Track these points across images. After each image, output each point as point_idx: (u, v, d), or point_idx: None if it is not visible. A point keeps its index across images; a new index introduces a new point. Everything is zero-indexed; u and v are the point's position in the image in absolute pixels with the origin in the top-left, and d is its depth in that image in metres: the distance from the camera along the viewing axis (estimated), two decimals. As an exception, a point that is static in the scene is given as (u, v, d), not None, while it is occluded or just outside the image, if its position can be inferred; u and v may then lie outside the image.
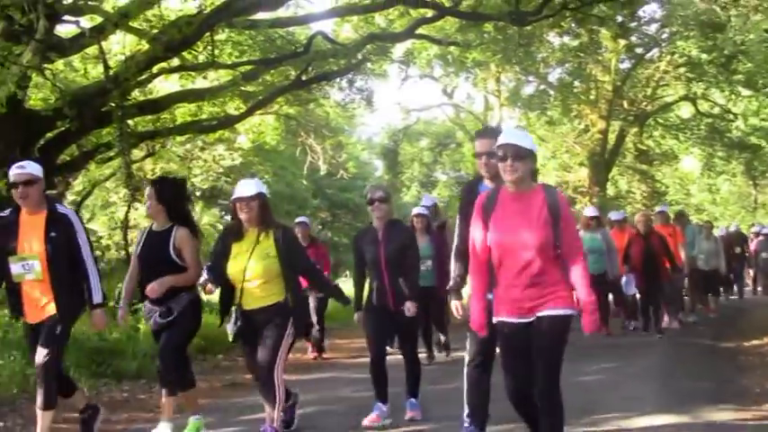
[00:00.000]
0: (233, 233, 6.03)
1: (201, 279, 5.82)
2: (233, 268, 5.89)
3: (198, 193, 24.34)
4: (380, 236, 6.75)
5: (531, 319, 4.42)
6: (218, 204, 27.88)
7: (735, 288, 19.38)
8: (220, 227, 22.64)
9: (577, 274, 4.45)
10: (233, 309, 5.94)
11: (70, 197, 20.13)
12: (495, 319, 4.61)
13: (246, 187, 5.97)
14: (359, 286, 6.94)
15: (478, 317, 4.62)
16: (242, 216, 5.93)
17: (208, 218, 23.19)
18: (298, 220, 11.79)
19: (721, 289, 16.97)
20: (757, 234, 19.55)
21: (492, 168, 5.12)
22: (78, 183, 20.06)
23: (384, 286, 6.66)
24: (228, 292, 5.98)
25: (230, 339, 6.03)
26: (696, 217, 26.51)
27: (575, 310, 4.49)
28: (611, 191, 27.66)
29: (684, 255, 13.15)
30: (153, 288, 5.93)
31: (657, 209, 14.58)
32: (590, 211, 12.92)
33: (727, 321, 13.98)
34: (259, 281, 5.85)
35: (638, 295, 12.37)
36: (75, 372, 8.43)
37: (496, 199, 4.56)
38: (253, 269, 5.84)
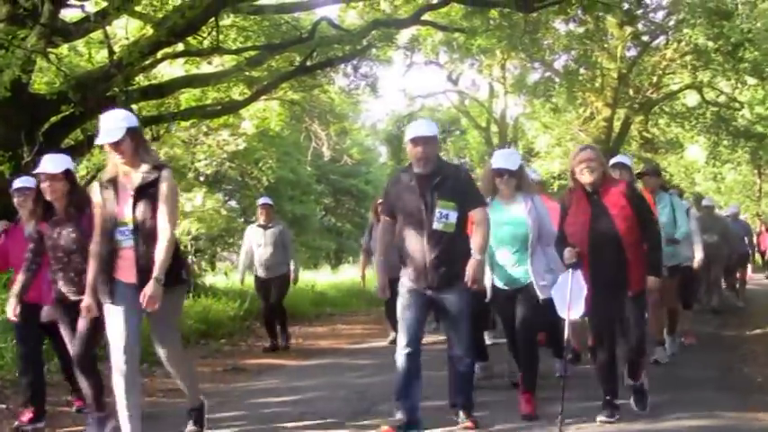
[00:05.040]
0: None
1: None
2: None
3: (201, 179, 24.34)
4: None
5: None
6: (221, 189, 27.90)
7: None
8: (224, 212, 22.67)
9: None
10: None
11: (74, 181, 20.12)
12: None
13: None
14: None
15: None
16: None
17: (211, 203, 23.19)
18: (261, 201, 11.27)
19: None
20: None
21: None
22: (82, 167, 20.04)
23: None
24: None
25: None
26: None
27: None
28: (615, 179, 27.57)
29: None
30: None
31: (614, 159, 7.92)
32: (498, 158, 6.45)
33: (731, 311, 13.94)
34: None
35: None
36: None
37: None
38: None
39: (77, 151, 15.39)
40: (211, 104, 17.18)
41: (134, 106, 13.72)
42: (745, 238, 15.95)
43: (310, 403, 6.93)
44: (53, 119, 13.06)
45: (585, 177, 5.78)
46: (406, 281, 5.77)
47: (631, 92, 25.21)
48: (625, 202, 5.76)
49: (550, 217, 6.39)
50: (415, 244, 5.65)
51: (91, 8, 12.81)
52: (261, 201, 11.23)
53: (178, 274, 5.26)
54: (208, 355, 10.40)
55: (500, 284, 6.32)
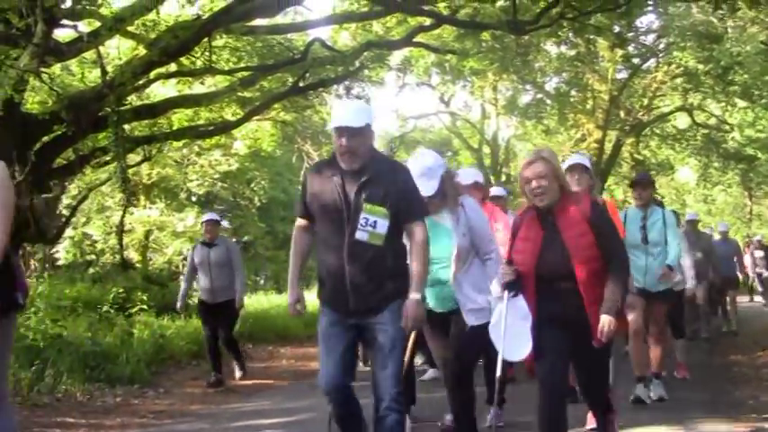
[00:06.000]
0: None
1: None
2: None
3: (193, 199, 24.32)
4: None
5: None
6: (213, 210, 27.85)
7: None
8: (216, 232, 22.61)
9: None
10: None
11: (66, 201, 20.11)
12: None
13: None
14: None
15: None
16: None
17: (203, 223, 23.17)
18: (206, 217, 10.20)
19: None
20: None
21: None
22: (74, 187, 20.01)
23: None
24: None
25: None
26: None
27: None
28: (606, 200, 27.63)
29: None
30: None
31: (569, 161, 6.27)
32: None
33: (721, 334, 13.92)
34: None
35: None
36: (68, 376, 8.42)
37: None
38: None
39: (69, 170, 15.41)
40: (204, 125, 17.21)
41: (126, 126, 13.75)
42: (735, 259, 15.66)
43: (302, 425, 6.90)
44: (45, 138, 13.07)
45: (536, 201, 4.55)
46: (324, 307, 4.55)
47: (622, 114, 25.36)
48: (586, 226, 4.47)
49: (490, 224, 5.36)
50: (333, 257, 4.36)
51: (84, 28, 12.83)
52: (206, 216, 10.21)
53: (9, 296, 3.99)
54: (199, 375, 10.35)
55: (432, 305, 5.19)
